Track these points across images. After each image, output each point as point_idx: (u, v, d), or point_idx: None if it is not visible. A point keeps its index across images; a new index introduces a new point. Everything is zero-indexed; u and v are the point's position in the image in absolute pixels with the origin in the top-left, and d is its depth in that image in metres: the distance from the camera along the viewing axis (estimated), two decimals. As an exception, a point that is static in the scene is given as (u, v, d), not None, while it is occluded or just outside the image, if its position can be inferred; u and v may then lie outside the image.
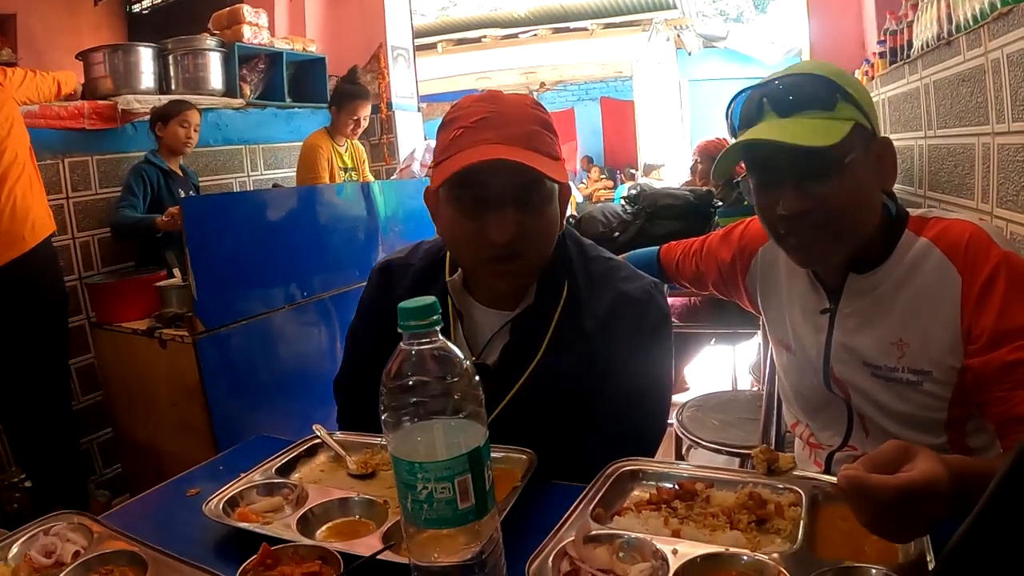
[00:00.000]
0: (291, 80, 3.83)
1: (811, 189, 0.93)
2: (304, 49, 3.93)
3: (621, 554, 0.72)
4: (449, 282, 1.07)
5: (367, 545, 0.77)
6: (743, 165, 1.03)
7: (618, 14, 9.04)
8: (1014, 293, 0.87)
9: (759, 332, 1.98)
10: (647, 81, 9.87)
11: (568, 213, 1.22)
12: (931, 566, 0.64)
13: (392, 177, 3.94)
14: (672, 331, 1.09)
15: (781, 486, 0.83)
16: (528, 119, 0.96)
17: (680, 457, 2.14)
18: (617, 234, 2.80)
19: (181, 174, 2.96)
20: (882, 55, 2.78)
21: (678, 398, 2.57)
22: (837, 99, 0.93)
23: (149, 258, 2.76)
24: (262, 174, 3.68)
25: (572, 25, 9.19)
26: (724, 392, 2.60)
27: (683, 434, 2.04)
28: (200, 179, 3.20)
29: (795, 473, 0.85)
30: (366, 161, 3.69)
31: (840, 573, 0.65)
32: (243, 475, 0.97)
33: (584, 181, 11.19)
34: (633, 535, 0.74)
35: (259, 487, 0.94)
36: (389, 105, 4.20)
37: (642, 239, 2.65)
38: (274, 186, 3.46)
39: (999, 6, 1.51)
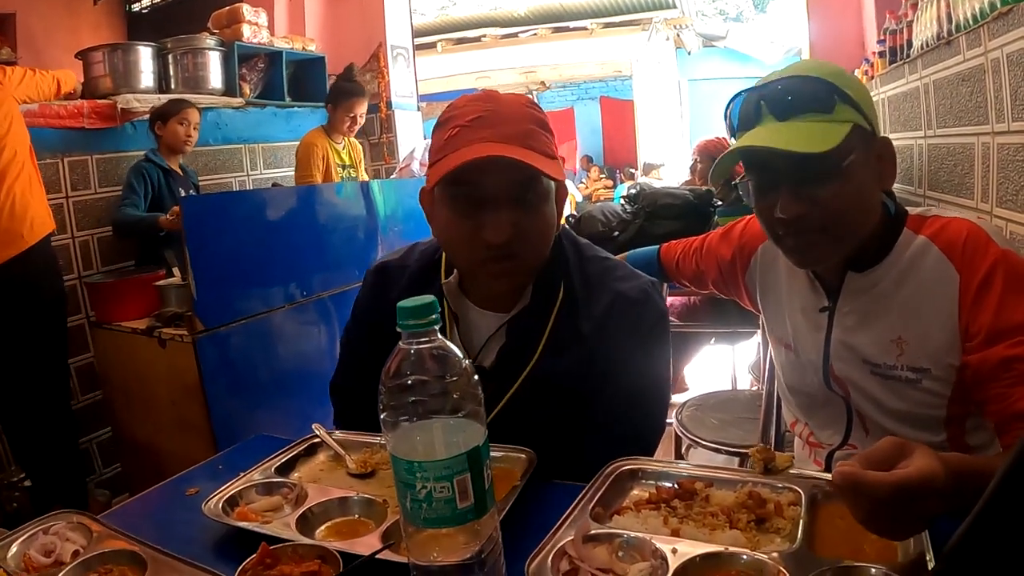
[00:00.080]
0: (291, 79, 3.82)
1: (809, 193, 0.93)
2: (304, 48, 3.93)
3: (620, 553, 0.72)
4: (445, 284, 1.07)
5: (366, 544, 0.77)
6: (742, 166, 1.02)
7: (618, 13, 9.05)
8: (1011, 290, 0.87)
9: (759, 331, 1.98)
10: (647, 80, 9.87)
11: (568, 212, 1.22)
12: (931, 565, 0.64)
13: (392, 176, 3.94)
14: (670, 329, 1.09)
15: (780, 485, 0.83)
16: (524, 118, 0.96)
17: (680, 456, 2.14)
18: (617, 233, 2.81)
19: (181, 173, 2.96)
20: (882, 55, 2.78)
21: (678, 397, 2.58)
22: (835, 101, 0.92)
23: (149, 257, 2.76)
24: (262, 173, 3.68)
25: (572, 24, 9.20)
26: (724, 391, 2.60)
27: (683, 433, 2.04)
28: (200, 178, 3.19)
29: (792, 471, 0.85)
30: (363, 159, 3.69)
31: (839, 572, 0.65)
32: (242, 474, 0.97)
33: (584, 180, 11.20)
34: (632, 534, 0.74)
35: (258, 486, 0.94)
36: (389, 104, 4.20)
37: (642, 238, 2.65)
38: (274, 185, 3.46)
39: (999, 6, 1.51)
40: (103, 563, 0.77)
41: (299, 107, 3.86)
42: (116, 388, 2.58)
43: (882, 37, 2.78)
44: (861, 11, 3.67)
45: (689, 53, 10.79)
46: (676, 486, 0.85)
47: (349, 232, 2.81)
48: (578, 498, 0.82)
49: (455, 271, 1.08)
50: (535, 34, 9.39)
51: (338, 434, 1.09)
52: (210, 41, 3.41)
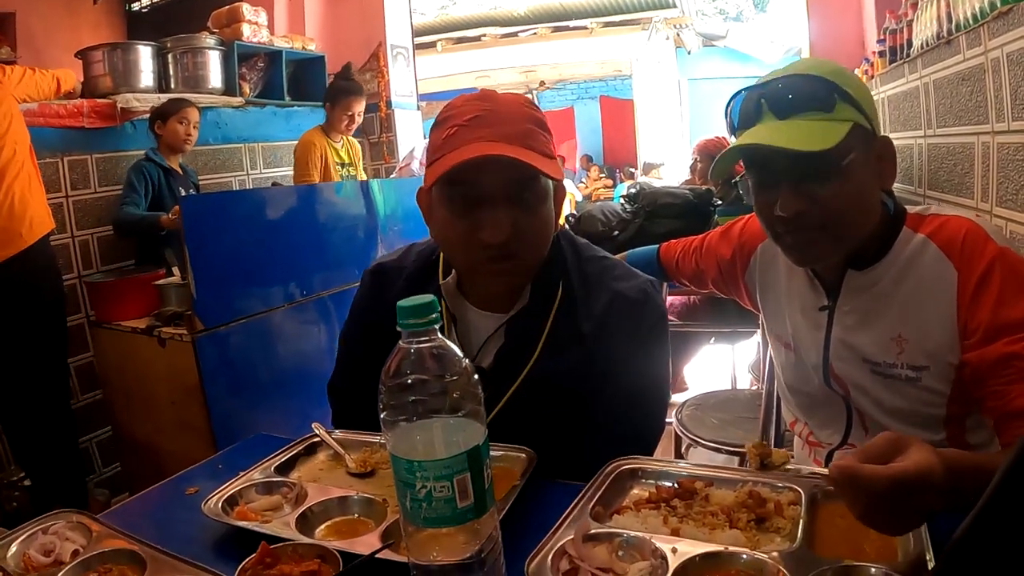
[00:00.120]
0: (290, 78, 3.82)
1: (809, 191, 0.93)
2: (303, 48, 3.92)
3: (620, 553, 0.72)
4: (443, 285, 1.06)
5: (366, 544, 0.77)
6: (742, 164, 1.02)
7: (618, 13, 9.04)
8: (1010, 288, 0.87)
9: (758, 331, 1.98)
10: (647, 80, 9.86)
11: (568, 212, 1.22)
12: (931, 565, 0.64)
13: (391, 176, 3.94)
14: (668, 329, 1.09)
15: (780, 485, 0.83)
16: (522, 118, 0.95)
17: (679, 456, 2.14)
18: (616, 233, 2.80)
19: (181, 172, 2.96)
20: (882, 54, 2.78)
21: (678, 397, 2.58)
22: (836, 100, 0.92)
23: (148, 256, 2.76)
24: (261, 172, 3.68)
25: (572, 24, 9.18)
26: (723, 391, 2.60)
27: (682, 433, 2.04)
28: (199, 177, 3.19)
29: (788, 466, 0.85)
30: (362, 158, 3.69)
31: (839, 572, 0.65)
32: (242, 474, 0.97)
33: (583, 180, 11.19)
34: (632, 534, 0.74)
35: (258, 486, 0.94)
36: (389, 104, 4.20)
37: (641, 238, 2.65)
38: (273, 184, 3.46)
39: (999, 5, 1.51)
40: (103, 562, 0.77)
41: (299, 106, 3.85)
42: (116, 387, 2.58)
43: (882, 36, 2.78)
44: (861, 10, 3.66)
45: (689, 53, 10.78)
46: (676, 485, 0.85)
47: (349, 231, 2.81)
48: (578, 497, 0.82)
49: (453, 272, 1.07)
50: (535, 33, 9.38)
51: (338, 433, 1.09)
52: (210, 40, 3.41)
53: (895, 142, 1.03)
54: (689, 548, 0.70)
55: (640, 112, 10.06)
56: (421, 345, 0.61)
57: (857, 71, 3.16)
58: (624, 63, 9.96)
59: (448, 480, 0.60)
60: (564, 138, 11.90)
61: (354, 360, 1.17)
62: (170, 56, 3.29)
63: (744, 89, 1.00)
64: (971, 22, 1.68)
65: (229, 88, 3.47)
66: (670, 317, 2.81)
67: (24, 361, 2.30)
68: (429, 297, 0.62)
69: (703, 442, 1.96)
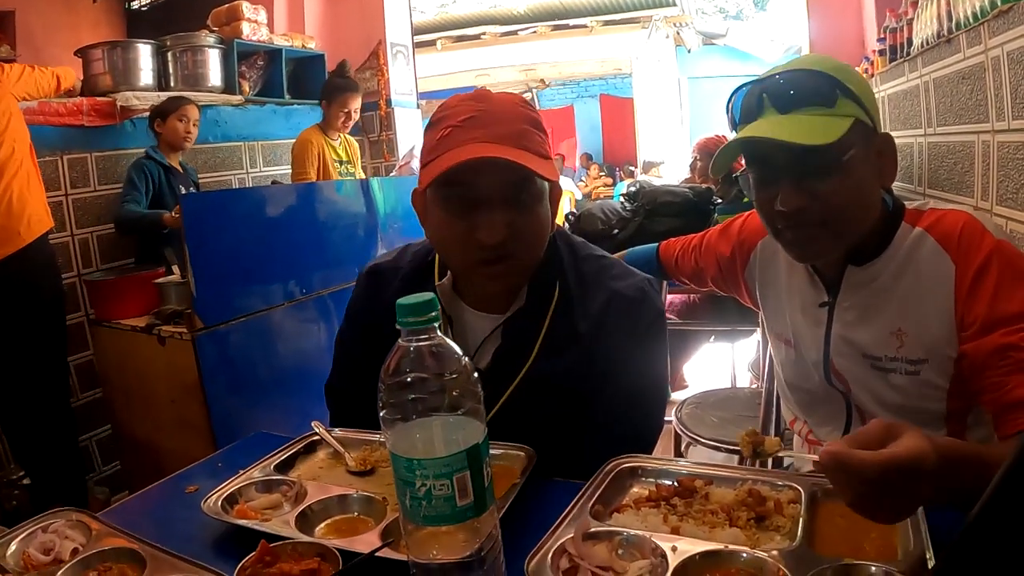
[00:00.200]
0: (290, 77, 3.82)
1: (810, 186, 0.93)
2: (303, 46, 3.92)
3: (620, 551, 0.72)
4: (438, 286, 1.06)
5: (366, 542, 0.77)
6: (743, 160, 1.02)
7: (618, 11, 9.03)
8: (1006, 280, 0.88)
9: (758, 329, 1.98)
10: (646, 78, 9.86)
11: (568, 210, 1.22)
12: (931, 564, 0.63)
13: (391, 174, 3.94)
14: (666, 327, 1.09)
15: (780, 483, 0.83)
16: (517, 118, 0.95)
17: (679, 454, 2.14)
18: (616, 231, 2.81)
19: (181, 170, 2.96)
20: (882, 52, 2.78)
21: (677, 395, 2.58)
22: (837, 95, 0.92)
23: (148, 255, 2.76)
24: (261, 171, 3.67)
25: (571, 22, 9.18)
26: (723, 389, 2.60)
27: (682, 431, 2.04)
28: (199, 176, 3.19)
29: (784, 458, 0.85)
30: (359, 155, 3.69)
31: (839, 570, 0.65)
32: (242, 472, 0.96)
33: (583, 178, 11.18)
34: (632, 532, 0.74)
35: (258, 484, 0.94)
36: (388, 102, 4.20)
37: (641, 236, 2.65)
38: (273, 183, 3.46)
39: (999, 4, 1.51)
40: (102, 561, 0.77)
41: (299, 105, 3.85)
42: (115, 386, 2.58)
43: (882, 35, 2.78)
44: (861, 9, 3.66)
45: (689, 51, 10.78)
46: (676, 484, 0.85)
47: (349, 230, 2.81)
48: (578, 496, 0.82)
49: (449, 273, 1.07)
50: (535, 32, 9.38)
51: (337, 432, 1.09)
52: (209, 39, 3.41)
53: (895, 140, 1.03)
54: (689, 546, 0.70)
55: (640, 110, 10.06)
56: (421, 343, 0.61)
57: (857, 69, 3.16)
58: (624, 61, 9.95)
59: (448, 478, 0.60)
60: (564, 136, 11.90)
61: (351, 361, 1.17)
62: (170, 54, 3.28)
63: (746, 84, 1.00)
64: (971, 20, 1.68)
65: (229, 86, 3.47)
66: (670, 315, 2.81)
67: (23, 360, 2.29)
68: (429, 295, 0.62)
69: (703, 440, 1.96)
